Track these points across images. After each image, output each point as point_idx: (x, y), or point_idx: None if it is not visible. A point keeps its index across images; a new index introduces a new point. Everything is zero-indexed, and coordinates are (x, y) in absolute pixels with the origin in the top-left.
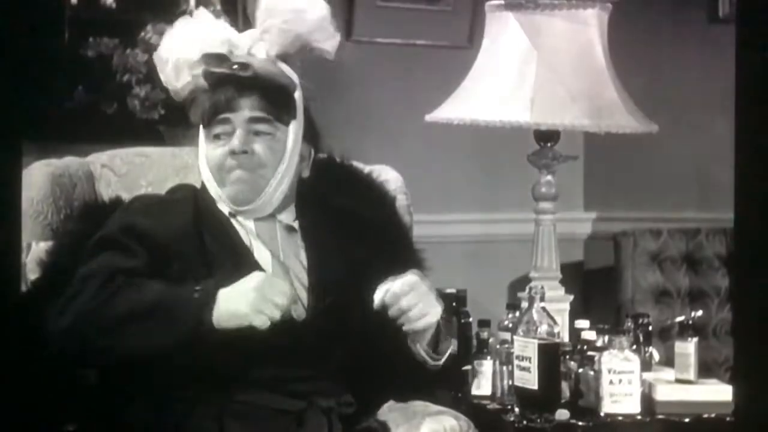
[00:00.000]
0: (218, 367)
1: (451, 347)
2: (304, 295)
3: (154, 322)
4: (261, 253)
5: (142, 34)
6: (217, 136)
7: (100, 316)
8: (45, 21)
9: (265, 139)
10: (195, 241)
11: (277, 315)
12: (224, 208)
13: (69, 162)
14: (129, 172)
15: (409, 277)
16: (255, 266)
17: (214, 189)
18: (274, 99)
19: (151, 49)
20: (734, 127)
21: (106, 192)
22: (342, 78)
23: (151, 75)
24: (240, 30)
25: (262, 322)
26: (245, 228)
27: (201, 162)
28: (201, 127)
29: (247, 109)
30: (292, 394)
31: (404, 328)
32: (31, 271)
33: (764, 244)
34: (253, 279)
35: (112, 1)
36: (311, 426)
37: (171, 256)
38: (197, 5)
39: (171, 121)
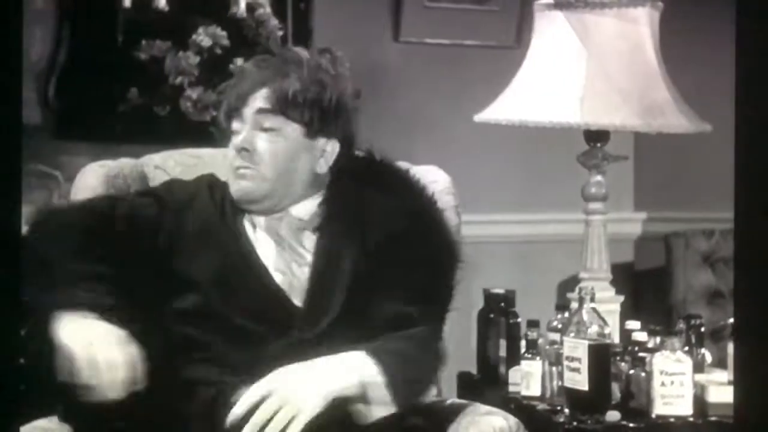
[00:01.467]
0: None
1: (425, 392)
2: (303, 291)
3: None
4: (265, 246)
5: (194, 36)
6: (233, 132)
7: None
8: (99, 24)
9: (268, 137)
10: (201, 223)
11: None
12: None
13: (123, 163)
14: (182, 173)
15: (261, 384)
16: (251, 258)
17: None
18: (284, 93)
19: (202, 51)
20: (734, 127)
21: None
22: (390, 79)
23: (203, 77)
24: (289, 30)
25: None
26: (252, 219)
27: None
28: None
29: (259, 101)
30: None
31: None
32: None
33: (764, 244)
34: (92, 332)
35: (165, 3)
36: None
37: (173, 231)
38: (248, 7)
39: (222, 122)
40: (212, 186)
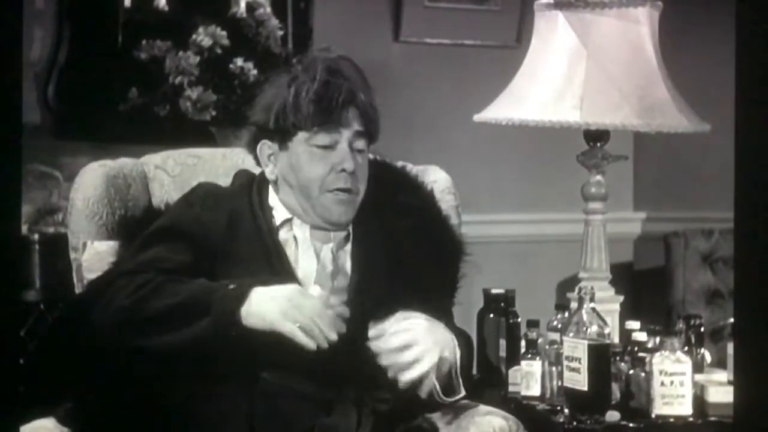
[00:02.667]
0: (249, 353)
1: (462, 393)
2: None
3: (187, 318)
4: (306, 260)
5: (194, 36)
6: (320, 146)
7: (137, 314)
8: (99, 24)
9: (361, 158)
10: (241, 242)
11: (309, 328)
12: (281, 212)
13: (123, 163)
14: (182, 172)
15: (412, 321)
16: (291, 273)
17: (297, 202)
18: (368, 117)
19: (203, 51)
20: (734, 127)
21: (160, 192)
22: (390, 79)
23: (203, 77)
24: (289, 29)
25: (289, 330)
26: (295, 233)
27: (282, 164)
28: (289, 125)
29: (353, 126)
30: (321, 382)
31: (389, 374)
32: (88, 270)
33: (764, 244)
34: (288, 288)
35: (165, 3)
36: (339, 415)
37: (217, 255)
38: (248, 7)
39: (222, 122)
40: (248, 200)
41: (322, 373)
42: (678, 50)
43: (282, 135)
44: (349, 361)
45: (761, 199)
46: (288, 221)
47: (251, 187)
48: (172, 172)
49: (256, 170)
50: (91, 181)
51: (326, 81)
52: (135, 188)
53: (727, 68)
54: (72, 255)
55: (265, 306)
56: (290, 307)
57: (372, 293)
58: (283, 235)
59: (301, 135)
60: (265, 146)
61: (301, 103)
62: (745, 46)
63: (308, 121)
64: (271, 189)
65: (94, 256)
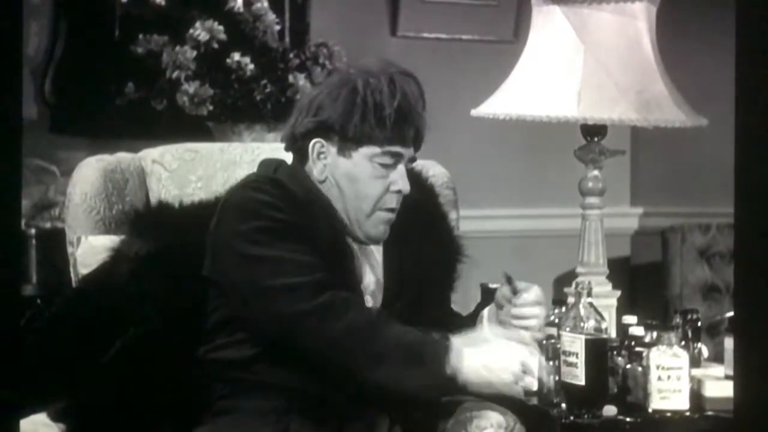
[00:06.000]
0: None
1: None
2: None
3: (407, 362)
4: (365, 268)
5: (191, 30)
6: (382, 164)
7: (372, 342)
8: (96, 18)
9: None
10: (328, 244)
11: (531, 386)
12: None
13: (121, 157)
14: (179, 167)
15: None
16: (359, 282)
17: (345, 211)
18: (421, 137)
19: (199, 45)
20: (735, 121)
21: (157, 187)
22: None
23: (199, 71)
24: (287, 24)
25: (517, 393)
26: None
27: (338, 169)
28: (352, 137)
29: (412, 146)
30: (358, 400)
31: (515, 322)
32: (82, 265)
33: (764, 241)
34: (511, 351)
35: None
36: (375, 423)
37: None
38: (245, 2)
39: (219, 117)
40: (320, 205)
41: (360, 392)
42: (675, 45)
43: (349, 142)
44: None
45: (762, 193)
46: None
47: (297, 179)
48: (170, 167)
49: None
50: (88, 176)
51: (403, 98)
52: (132, 183)
53: (725, 63)
54: (69, 250)
55: (491, 372)
56: (518, 374)
57: (403, 300)
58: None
59: (370, 149)
60: (318, 144)
61: (383, 119)
62: (745, 39)
63: (384, 139)
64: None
65: (89, 251)
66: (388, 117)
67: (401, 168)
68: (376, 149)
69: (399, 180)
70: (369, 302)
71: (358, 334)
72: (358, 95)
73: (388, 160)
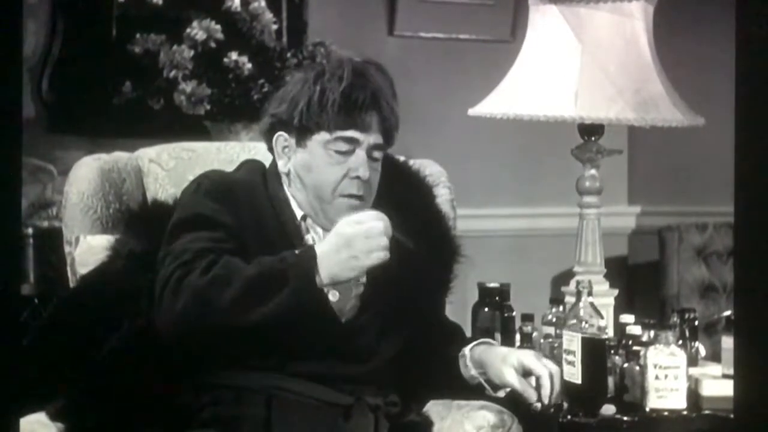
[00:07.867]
0: (267, 358)
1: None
2: (353, 309)
3: (268, 290)
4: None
5: (188, 30)
6: (337, 151)
7: (215, 294)
8: (93, 17)
9: (376, 166)
10: (267, 238)
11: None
12: (296, 210)
13: (118, 157)
14: (176, 166)
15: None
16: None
17: (307, 201)
18: (389, 125)
19: (197, 45)
20: (734, 120)
21: (154, 186)
22: None
23: (197, 71)
24: (284, 23)
25: (372, 261)
26: (313, 234)
27: (297, 159)
28: (310, 122)
29: (373, 133)
30: (340, 388)
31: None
32: (81, 265)
33: (764, 241)
34: (348, 234)
35: None
36: (357, 421)
37: (247, 249)
38: (242, 1)
39: (216, 116)
40: (266, 193)
41: (341, 379)
42: (673, 44)
43: (302, 132)
44: (367, 367)
45: (761, 192)
46: (304, 218)
47: (264, 178)
48: (167, 166)
49: (251, 161)
50: (85, 175)
51: (351, 83)
52: (129, 182)
53: (722, 62)
54: (66, 249)
55: (335, 263)
56: (353, 255)
57: (385, 299)
58: (304, 233)
59: (321, 135)
60: (281, 138)
61: (326, 104)
62: (744, 39)
63: (331, 124)
64: (284, 184)
65: (87, 250)
66: (332, 102)
67: (360, 153)
68: (327, 135)
69: (359, 167)
70: (336, 296)
71: (218, 285)
72: (306, 84)
73: (342, 146)
